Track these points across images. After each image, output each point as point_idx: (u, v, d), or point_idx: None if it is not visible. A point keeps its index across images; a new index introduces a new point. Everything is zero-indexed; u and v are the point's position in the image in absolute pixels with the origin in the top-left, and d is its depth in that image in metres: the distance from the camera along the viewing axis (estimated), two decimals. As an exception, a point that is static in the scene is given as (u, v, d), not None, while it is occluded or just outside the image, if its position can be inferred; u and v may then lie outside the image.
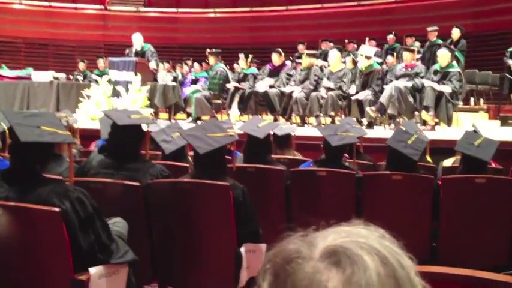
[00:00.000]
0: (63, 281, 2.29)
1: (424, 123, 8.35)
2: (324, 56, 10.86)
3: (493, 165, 4.43)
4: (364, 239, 0.71)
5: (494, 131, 7.25)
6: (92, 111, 9.34)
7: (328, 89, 8.89)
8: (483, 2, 14.33)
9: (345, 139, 4.00)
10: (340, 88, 8.91)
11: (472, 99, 11.74)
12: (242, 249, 3.00)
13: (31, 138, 2.27)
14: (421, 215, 3.60)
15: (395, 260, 0.70)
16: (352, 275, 0.67)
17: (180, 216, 3.11)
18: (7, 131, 3.90)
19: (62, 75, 11.37)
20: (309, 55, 9.74)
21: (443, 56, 8.34)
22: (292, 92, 9.10)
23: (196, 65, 11.92)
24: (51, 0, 17.30)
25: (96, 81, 10.01)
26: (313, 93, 8.92)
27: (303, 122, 9.07)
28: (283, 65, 10.02)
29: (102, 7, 17.64)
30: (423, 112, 8.07)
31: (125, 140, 3.27)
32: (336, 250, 0.69)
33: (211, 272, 3.09)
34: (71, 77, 12.43)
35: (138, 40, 10.19)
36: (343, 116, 9.05)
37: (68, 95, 10.20)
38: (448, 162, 4.77)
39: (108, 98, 9.41)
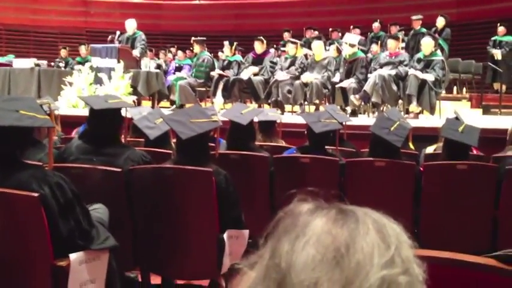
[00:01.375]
0: (44, 266, 2.26)
1: (407, 111, 8.40)
2: (309, 45, 10.85)
3: (475, 152, 4.47)
4: (368, 210, 0.71)
5: (476, 119, 7.31)
6: (73, 98, 9.23)
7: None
8: (467, -9, 14.39)
9: (328, 126, 4.01)
10: (328, 78, 8.91)
11: (455, 88, 11.82)
12: (225, 235, 2.99)
13: (9, 122, 2.23)
14: (403, 201, 3.62)
15: (393, 228, 0.69)
16: (335, 219, 0.67)
17: (163, 202, 3.09)
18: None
19: (43, 62, 11.21)
20: (292, 42, 9.75)
21: (427, 44, 8.37)
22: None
23: (180, 52, 11.83)
24: (33, -15, 17.01)
25: (79, 69, 9.88)
26: (297, 81, 8.91)
27: (283, 110, 9.01)
28: (266, 52, 9.99)
29: (85, -7, 17.39)
30: (411, 105, 8.09)
31: (103, 124, 3.24)
32: (330, 205, 0.71)
33: (194, 258, 3.08)
34: (52, 64, 12.27)
35: (131, 26, 10.11)
36: (327, 104, 9.05)
37: (50, 82, 10.07)
38: (430, 149, 4.80)
39: (90, 85, 9.31)
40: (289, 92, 8.97)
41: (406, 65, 8.42)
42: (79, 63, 11.03)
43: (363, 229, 0.66)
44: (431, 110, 8.14)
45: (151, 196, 3.12)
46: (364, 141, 5.25)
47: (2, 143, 2.33)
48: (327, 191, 0.76)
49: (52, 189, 2.28)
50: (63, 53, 12.85)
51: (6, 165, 2.33)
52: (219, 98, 9.53)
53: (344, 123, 5.04)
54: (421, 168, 3.71)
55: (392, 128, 3.58)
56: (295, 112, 9.16)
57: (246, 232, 3.16)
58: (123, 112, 3.46)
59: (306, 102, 8.99)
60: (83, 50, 12.24)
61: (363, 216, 0.68)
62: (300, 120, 7.01)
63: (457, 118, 4.14)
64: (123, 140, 3.63)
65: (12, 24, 16.31)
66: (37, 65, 10.61)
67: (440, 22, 10.63)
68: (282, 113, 8.58)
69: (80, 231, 2.35)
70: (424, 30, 10.37)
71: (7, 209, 2.32)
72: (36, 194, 2.19)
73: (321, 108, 8.47)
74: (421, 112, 8.35)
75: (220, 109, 9.03)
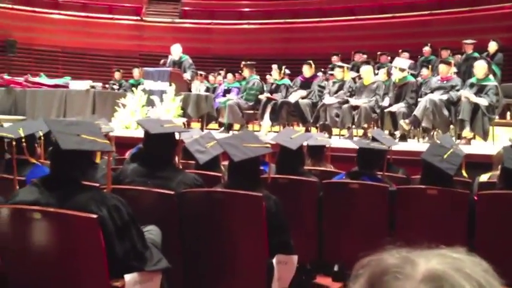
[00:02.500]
0: (100, 287, 2.33)
1: (459, 137, 8.22)
2: (357, 68, 10.82)
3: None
4: (469, 270, 0.69)
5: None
6: (126, 119, 9.50)
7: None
8: (521, 15, 14.07)
9: (379, 147, 4.04)
10: (376, 102, 8.85)
11: (508, 114, 11.49)
12: (274, 261, 3.00)
13: (71, 146, 2.33)
14: (456, 231, 3.53)
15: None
16: None
17: (213, 225, 3.13)
18: (43, 138, 4.01)
19: (98, 84, 11.61)
20: (339, 66, 9.76)
21: (481, 67, 8.19)
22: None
23: (229, 75, 12.03)
24: (89, 10, 17.74)
25: (132, 91, 10.18)
26: (345, 105, 8.88)
27: (330, 134, 8.99)
28: (314, 76, 10.02)
29: (139, 18, 18.00)
30: (465, 130, 7.91)
31: (158, 148, 3.32)
32: (439, 275, 0.67)
33: (242, 282, 3.09)
34: (106, 86, 12.68)
35: (176, 51, 10.37)
36: (375, 128, 8.97)
37: (104, 104, 10.40)
38: (484, 178, 4.68)
39: (142, 107, 9.56)
40: (337, 115, 8.94)
41: (458, 90, 8.26)
42: (132, 85, 11.36)
43: None
44: (485, 136, 7.93)
45: (202, 219, 3.16)
46: (413, 167, 5.17)
47: (64, 166, 2.44)
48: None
49: (110, 211, 2.36)
50: (117, 75, 13.27)
51: (67, 187, 2.43)
52: (266, 121, 9.59)
53: (390, 147, 5.00)
54: (475, 197, 3.62)
55: (445, 156, 3.52)
56: (343, 136, 9.11)
57: (295, 257, 3.15)
58: (176, 136, 3.54)
59: (353, 126, 8.94)
60: (136, 72, 12.60)
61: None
62: (348, 144, 6.98)
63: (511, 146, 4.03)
64: (177, 163, 3.70)
65: (69, 47, 17.01)
66: (92, 87, 10.99)
67: (493, 47, 10.41)
68: (330, 137, 8.56)
69: (135, 252, 2.42)
70: (476, 54, 10.18)
71: (66, 229, 2.41)
72: (94, 216, 2.27)
73: (369, 132, 8.41)
74: (474, 138, 8.15)
75: (267, 132, 9.10)
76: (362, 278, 0.70)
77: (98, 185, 2.91)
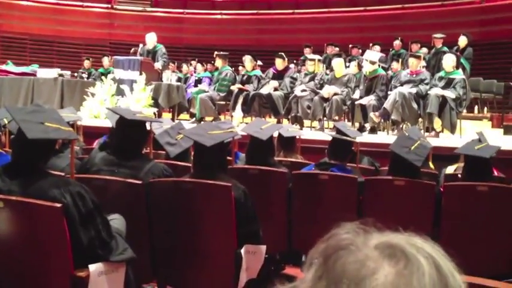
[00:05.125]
0: (63, 277, 2.29)
1: (428, 129, 8.34)
2: (329, 61, 10.87)
3: (496, 173, 4.42)
4: (421, 245, 0.70)
5: (497, 139, 7.23)
6: (95, 109, 9.36)
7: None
8: (490, 10, 14.33)
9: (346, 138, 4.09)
10: (348, 94, 8.92)
11: (476, 107, 11.73)
12: (242, 251, 3.00)
13: (37, 135, 2.28)
14: (422, 221, 3.58)
15: (449, 269, 0.69)
16: (404, 270, 0.66)
17: (181, 215, 3.11)
18: (7, 126, 3.92)
19: (67, 73, 11.39)
20: (310, 59, 9.81)
21: (449, 60, 8.33)
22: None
23: (199, 65, 11.94)
24: (58, -3, 17.36)
25: (101, 79, 10.03)
26: (316, 97, 8.92)
27: (301, 126, 9.02)
28: (286, 68, 10.03)
29: (109, 6, 17.70)
30: (435, 121, 8.03)
31: (129, 137, 3.28)
32: (392, 245, 0.69)
33: (210, 272, 3.09)
34: (75, 74, 12.46)
35: (151, 39, 10.24)
36: (346, 120, 9.04)
37: (73, 93, 10.23)
38: (450, 169, 4.76)
39: (112, 97, 9.43)
40: (309, 107, 8.98)
41: (427, 84, 8.38)
42: (102, 74, 11.19)
43: (429, 283, 0.66)
44: (452, 129, 8.08)
45: (170, 209, 3.14)
46: (382, 158, 5.23)
47: (26, 153, 2.38)
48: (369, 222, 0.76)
49: (74, 199, 2.32)
50: (87, 64, 13.06)
51: (30, 174, 2.38)
52: (238, 112, 9.57)
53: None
54: (441, 189, 3.68)
55: (412, 147, 3.57)
56: (314, 128, 9.16)
57: (264, 248, 3.16)
58: (147, 126, 3.50)
59: (325, 118, 8.99)
60: (106, 61, 12.42)
61: (429, 267, 0.67)
62: (318, 136, 7.01)
63: (479, 140, 4.10)
64: (147, 153, 3.66)
65: (37, 34, 16.64)
66: (60, 75, 10.78)
67: (463, 41, 10.57)
68: (301, 129, 8.59)
69: (99, 241, 2.38)
70: (445, 48, 10.33)
71: (29, 218, 2.36)
72: (59, 205, 2.23)
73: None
74: (442, 131, 8.28)
75: (239, 123, 9.08)
76: (317, 259, 0.70)
77: (63, 174, 2.86)
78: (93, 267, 2.32)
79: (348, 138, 4.11)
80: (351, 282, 0.65)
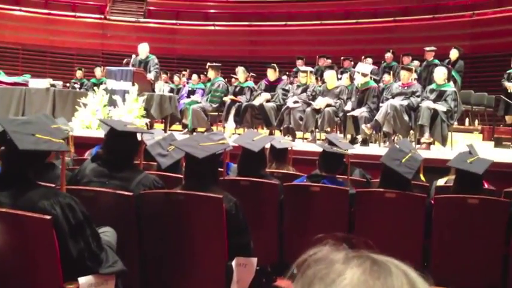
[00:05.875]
0: (52, 289, 2.27)
1: (419, 141, 8.38)
2: (321, 73, 10.92)
3: (486, 186, 4.44)
4: (389, 258, 0.73)
5: (488, 152, 7.28)
6: (87, 119, 9.33)
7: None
8: (481, 24, 14.49)
9: (339, 151, 4.09)
10: (340, 106, 8.95)
11: (467, 120, 11.80)
12: (233, 263, 2.99)
13: (29, 147, 2.27)
14: (413, 233, 3.60)
15: (416, 277, 0.72)
16: (371, 269, 0.69)
17: (172, 227, 3.10)
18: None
19: (59, 83, 11.37)
20: (302, 71, 9.84)
21: (440, 73, 8.38)
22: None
23: (194, 76, 11.95)
24: (51, 7, 17.37)
25: (93, 90, 10.01)
26: (309, 109, 8.95)
27: (294, 137, 9.04)
28: (279, 80, 10.06)
29: (102, 16, 17.73)
30: (424, 136, 8.07)
31: (120, 148, 3.27)
32: (361, 254, 0.73)
33: (201, 285, 3.07)
34: (67, 84, 12.44)
35: (143, 50, 10.24)
36: (338, 132, 9.07)
37: (64, 103, 10.20)
38: (441, 182, 4.78)
39: (104, 107, 9.41)
40: (301, 118, 9.00)
41: (418, 96, 8.44)
42: (94, 84, 11.17)
43: (397, 283, 0.69)
44: (443, 142, 8.12)
45: (161, 221, 3.13)
46: (374, 170, 5.24)
47: (16, 165, 2.37)
48: (356, 238, 0.79)
49: (63, 210, 2.31)
50: (79, 74, 13.05)
51: (19, 185, 2.37)
52: (230, 123, 9.58)
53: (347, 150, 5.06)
54: (432, 201, 3.69)
55: (403, 160, 3.58)
56: (306, 139, 9.17)
57: (255, 260, 3.15)
58: (138, 137, 3.50)
59: (317, 130, 9.01)
60: (98, 72, 12.41)
61: (395, 269, 0.70)
62: (310, 147, 7.02)
63: (470, 152, 4.12)
64: (138, 164, 3.65)
65: (30, 44, 16.63)
66: (52, 85, 10.76)
67: (454, 54, 10.67)
68: (293, 140, 8.61)
69: (89, 252, 2.37)
70: (437, 61, 10.41)
71: (18, 230, 2.34)
72: (48, 217, 2.22)
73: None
74: (433, 143, 8.32)
75: (231, 134, 9.08)
76: (296, 274, 0.75)
77: (53, 185, 2.84)
78: (82, 280, 2.30)
79: (338, 151, 4.12)
80: (321, 284, 0.69)
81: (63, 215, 2.31)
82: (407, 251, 3.44)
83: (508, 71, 10.94)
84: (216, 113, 9.98)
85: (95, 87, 10.16)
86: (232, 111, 9.61)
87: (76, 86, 12.26)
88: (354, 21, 16.37)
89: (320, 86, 9.58)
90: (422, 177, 5.03)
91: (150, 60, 10.18)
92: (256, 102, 9.54)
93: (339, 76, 10.11)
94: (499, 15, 14.27)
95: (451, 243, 3.54)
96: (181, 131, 10.12)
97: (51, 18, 17.18)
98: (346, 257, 0.71)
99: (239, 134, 7.90)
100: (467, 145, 4.73)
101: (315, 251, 0.75)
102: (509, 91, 10.65)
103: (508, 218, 3.45)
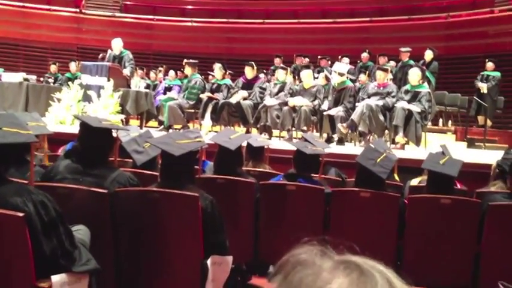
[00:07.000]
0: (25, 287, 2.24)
1: (394, 141, 8.48)
2: (298, 71, 10.96)
3: (459, 186, 4.51)
4: (374, 264, 0.75)
5: (461, 152, 7.40)
6: (61, 115, 9.20)
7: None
8: (455, 25, 14.71)
9: (316, 150, 4.10)
10: (318, 105, 9.01)
11: (440, 121, 11.98)
12: (208, 261, 2.98)
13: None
14: (386, 232, 3.64)
15: (400, 285, 0.74)
16: (358, 280, 0.70)
17: (147, 225, 3.08)
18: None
19: (32, 77, 11.18)
20: (283, 68, 9.85)
21: (414, 74, 8.49)
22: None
23: (171, 72, 11.88)
24: (25, 0, 17.05)
25: (68, 85, 9.87)
26: (286, 107, 8.98)
27: (270, 135, 9.07)
28: (256, 78, 10.07)
29: (77, 10, 17.47)
30: (398, 136, 8.18)
31: (94, 144, 3.23)
32: (347, 260, 0.73)
33: (176, 283, 3.06)
34: (41, 79, 12.24)
35: (117, 45, 10.12)
36: (314, 130, 9.12)
37: (38, 98, 10.04)
38: (415, 182, 4.85)
39: (78, 102, 9.29)
40: (278, 117, 9.02)
41: (393, 97, 8.54)
42: (69, 79, 11.02)
43: None
44: (417, 142, 8.23)
45: (135, 219, 3.10)
46: (349, 169, 5.29)
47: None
48: (339, 241, 0.80)
49: (36, 207, 2.28)
50: (53, 68, 12.85)
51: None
52: (207, 121, 9.55)
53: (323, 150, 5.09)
54: (406, 201, 3.74)
55: (378, 160, 3.62)
56: (282, 137, 9.20)
57: (230, 258, 3.14)
58: (113, 133, 3.46)
59: (293, 128, 9.05)
60: (73, 66, 12.24)
61: (380, 278, 0.72)
62: (286, 146, 7.05)
63: (443, 153, 4.18)
64: (113, 161, 3.61)
65: (3, 37, 16.29)
66: (26, 79, 10.58)
67: (428, 55, 10.82)
68: (270, 138, 8.63)
69: (62, 251, 2.34)
70: (412, 62, 10.54)
71: (-10, 227, 2.30)
72: (21, 214, 2.18)
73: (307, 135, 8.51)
74: (407, 143, 8.43)
75: (208, 131, 9.06)
76: (277, 275, 0.75)
77: (26, 181, 2.80)
78: (56, 278, 2.27)
79: (317, 151, 4.12)
80: None
81: (36, 212, 2.27)
82: (381, 250, 3.48)
83: (481, 73, 11.15)
84: (193, 110, 9.95)
85: (70, 82, 10.02)
86: (209, 109, 9.59)
87: (50, 80, 12.07)
88: (331, 20, 16.46)
89: (297, 85, 9.62)
90: (396, 177, 5.09)
91: (125, 56, 10.07)
92: (233, 100, 9.53)
93: (316, 75, 10.16)
94: (474, 17, 14.51)
95: (423, 243, 3.60)
96: (157, 127, 10.05)
97: (26, 11, 16.86)
98: (334, 266, 0.72)
99: (216, 132, 7.88)
100: (440, 146, 4.80)
101: (299, 252, 0.75)
102: (482, 91, 10.85)
103: (480, 218, 3.52)
